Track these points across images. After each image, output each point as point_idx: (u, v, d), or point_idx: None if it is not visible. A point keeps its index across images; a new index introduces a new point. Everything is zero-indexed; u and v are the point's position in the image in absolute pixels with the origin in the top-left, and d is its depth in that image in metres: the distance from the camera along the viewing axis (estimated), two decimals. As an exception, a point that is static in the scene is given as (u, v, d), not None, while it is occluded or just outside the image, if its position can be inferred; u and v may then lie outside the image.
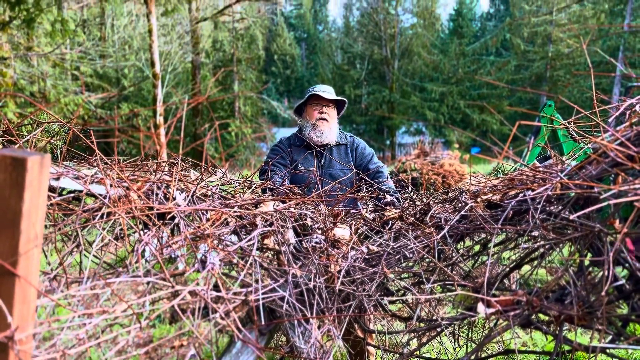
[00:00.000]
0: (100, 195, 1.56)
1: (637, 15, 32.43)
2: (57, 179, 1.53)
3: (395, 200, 2.75)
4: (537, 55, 35.76)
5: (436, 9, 41.70)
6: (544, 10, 35.27)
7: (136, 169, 1.90)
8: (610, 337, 1.39)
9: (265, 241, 1.80)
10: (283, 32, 51.63)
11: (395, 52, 37.99)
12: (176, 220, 1.64)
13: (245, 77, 30.53)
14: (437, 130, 36.81)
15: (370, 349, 2.60)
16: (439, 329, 1.62)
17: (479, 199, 1.91)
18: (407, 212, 2.23)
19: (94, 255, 1.48)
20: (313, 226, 2.00)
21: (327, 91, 3.34)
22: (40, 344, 1.11)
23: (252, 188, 2.25)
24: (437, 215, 2.03)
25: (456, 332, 1.99)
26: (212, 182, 2.12)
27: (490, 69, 37.44)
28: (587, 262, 1.45)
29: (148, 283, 1.38)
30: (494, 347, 2.57)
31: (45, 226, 1.47)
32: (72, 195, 1.57)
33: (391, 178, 3.41)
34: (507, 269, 1.65)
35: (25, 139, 1.70)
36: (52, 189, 1.53)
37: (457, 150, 12.35)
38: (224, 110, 29.27)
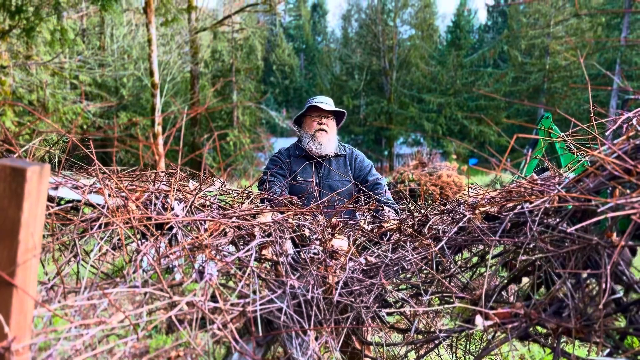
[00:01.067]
0: (99, 205, 1.56)
1: (634, 28, 32.69)
2: (56, 188, 1.53)
3: (393, 211, 2.75)
4: (535, 67, 35.97)
5: (434, 21, 41.98)
6: (541, 23, 35.53)
7: (134, 179, 1.90)
8: (607, 350, 1.38)
9: (263, 252, 1.80)
10: (282, 43, 51.88)
11: (394, 63, 38.18)
12: (174, 231, 1.64)
13: (244, 87, 30.62)
14: (435, 141, 36.92)
15: (368, 360, 2.58)
16: (437, 341, 1.62)
17: (477, 211, 1.91)
18: (405, 223, 2.23)
19: (91, 265, 1.48)
20: (311, 237, 2.00)
21: (326, 102, 3.36)
22: (37, 355, 1.11)
23: (251, 198, 2.25)
24: (435, 226, 2.03)
25: (454, 344, 1.98)
26: (210, 192, 2.12)
27: (487, 80, 37.63)
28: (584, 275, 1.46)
29: (145, 293, 1.38)
30: (491, 359, 2.57)
31: (43, 236, 1.47)
32: (70, 204, 1.57)
33: (389, 189, 3.41)
34: (505, 281, 1.65)
35: (24, 148, 1.70)
36: (50, 199, 1.53)
37: (455, 162, 12.41)
38: (222, 120, 29.34)
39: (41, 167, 1.00)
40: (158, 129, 13.30)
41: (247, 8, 21.09)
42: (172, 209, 1.72)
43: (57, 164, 1.81)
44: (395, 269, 1.82)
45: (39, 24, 10.44)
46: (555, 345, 1.41)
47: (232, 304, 1.45)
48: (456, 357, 1.98)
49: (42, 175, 1.01)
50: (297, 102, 51.94)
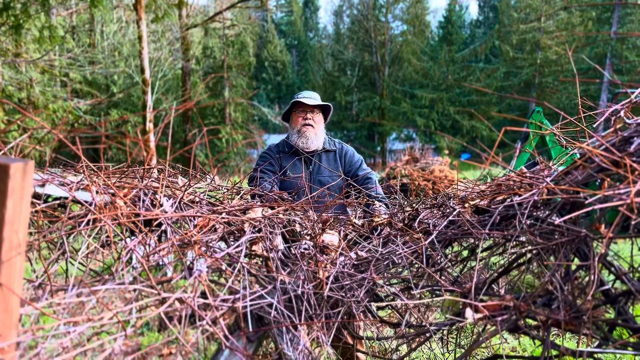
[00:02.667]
0: (86, 202, 1.55)
1: (624, 22, 32.87)
2: (43, 185, 1.51)
3: (384, 206, 2.75)
4: (526, 62, 36.07)
5: (426, 16, 41.96)
6: (532, 18, 35.62)
7: (123, 176, 1.89)
8: (597, 342, 1.39)
9: (254, 247, 1.79)
10: (274, 39, 51.67)
11: (386, 59, 38.14)
12: (163, 227, 1.63)
13: (236, 83, 30.48)
14: (428, 137, 36.96)
15: (360, 355, 2.59)
16: (427, 335, 1.62)
17: (466, 205, 1.91)
18: (396, 217, 2.23)
19: (79, 263, 1.47)
20: (302, 232, 2.00)
21: (311, 97, 3.34)
22: (25, 353, 1.10)
23: (241, 194, 2.24)
24: (426, 220, 2.04)
25: (445, 337, 1.99)
26: (200, 188, 2.11)
27: (479, 75, 37.69)
28: (573, 267, 1.46)
29: (135, 290, 1.37)
30: (482, 352, 2.58)
31: (30, 233, 1.46)
32: (57, 202, 1.56)
33: (381, 184, 3.41)
34: (495, 274, 1.65)
35: (10, 145, 1.68)
36: (37, 196, 1.51)
37: (447, 157, 12.44)
38: (214, 116, 29.22)
39: (25, 164, 0.99)
40: (149, 125, 13.21)
41: (238, 4, 21.00)
42: (161, 205, 1.71)
43: (46, 161, 1.79)
44: (385, 263, 1.82)
45: (27, 21, 10.34)
46: (545, 337, 1.42)
47: (222, 300, 1.45)
48: (447, 350, 1.99)
49: (26, 172, 0.99)
50: (289, 99, 51.29)
